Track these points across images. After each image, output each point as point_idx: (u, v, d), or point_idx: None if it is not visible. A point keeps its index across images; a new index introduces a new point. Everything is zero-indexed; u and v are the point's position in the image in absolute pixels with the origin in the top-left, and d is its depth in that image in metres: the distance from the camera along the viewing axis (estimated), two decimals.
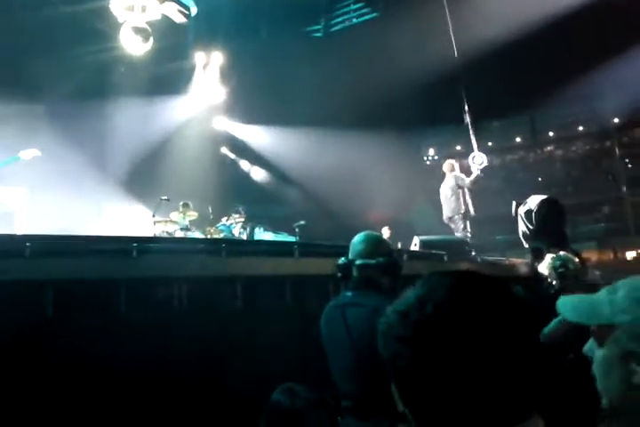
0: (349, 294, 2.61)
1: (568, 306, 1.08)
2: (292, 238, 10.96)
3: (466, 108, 11.23)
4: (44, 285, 3.73)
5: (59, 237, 4.70)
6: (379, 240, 2.69)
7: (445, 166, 9.91)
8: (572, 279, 3.31)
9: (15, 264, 3.72)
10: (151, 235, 9.09)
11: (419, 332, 0.73)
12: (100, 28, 11.85)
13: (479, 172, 9.78)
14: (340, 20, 16.40)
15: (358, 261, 2.58)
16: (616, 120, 25.09)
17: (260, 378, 3.91)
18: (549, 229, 4.51)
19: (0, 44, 10.32)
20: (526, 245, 5.01)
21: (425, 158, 28.57)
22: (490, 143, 28.69)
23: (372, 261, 2.55)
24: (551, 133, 27.91)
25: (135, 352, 3.81)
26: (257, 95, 15.35)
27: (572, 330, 2.30)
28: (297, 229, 11.16)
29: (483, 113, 23.46)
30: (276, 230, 11.65)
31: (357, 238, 2.68)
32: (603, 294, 1.06)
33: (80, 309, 3.86)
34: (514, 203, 4.89)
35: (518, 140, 28.50)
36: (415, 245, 8.93)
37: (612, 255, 23.36)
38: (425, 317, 0.73)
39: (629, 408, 0.97)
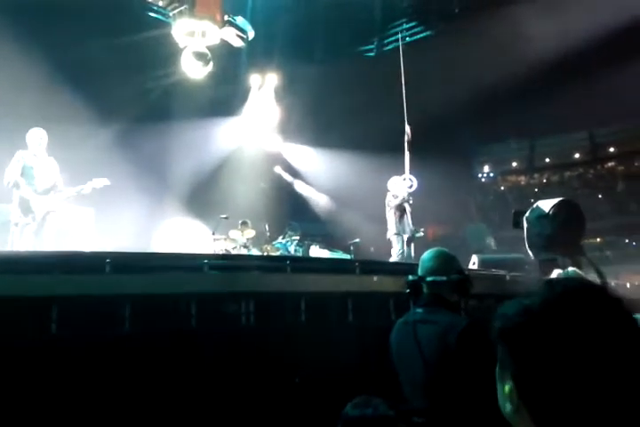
0: (420, 310, 2.59)
1: None
2: (347, 256, 11.02)
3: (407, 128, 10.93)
4: (122, 299, 3.92)
5: (136, 254, 4.92)
6: (449, 257, 2.66)
7: (388, 183, 9.38)
8: None
9: (96, 280, 3.94)
10: (211, 252, 9.33)
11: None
12: (162, 53, 12.34)
13: (406, 195, 9.18)
14: (392, 39, 16.47)
15: (429, 278, 2.57)
16: None
17: (324, 392, 3.95)
18: (566, 236, 4.02)
19: (72, 72, 10.94)
20: (533, 257, 4.51)
21: (480, 175, 28.18)
22: (547, 160, 28.08)
23: (444, 278, 2.55)
24: (612, 149, 27.03)
25: (203, 365, 3.93)
26: (310, 116, 15.60)
27: None
28: (352, 247, 11.23)
29: (540, 128, 23.19)
30: (331, 248, 11.74)
31: (427, 255, 2.67)
32: None
33: (154, 323, 4.03)
34: (513, 211, 4.42)
35: (577, 156, 27.76)
36: (474, 264, 8.81)
37: None
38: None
39: None
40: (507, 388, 0.84)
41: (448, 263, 2.63)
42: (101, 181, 6.67)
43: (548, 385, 0.78)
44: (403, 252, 8.82)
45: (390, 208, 9.08)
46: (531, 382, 0.80)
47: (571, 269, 3.28)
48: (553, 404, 0.78)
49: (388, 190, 9.26)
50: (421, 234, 9.47)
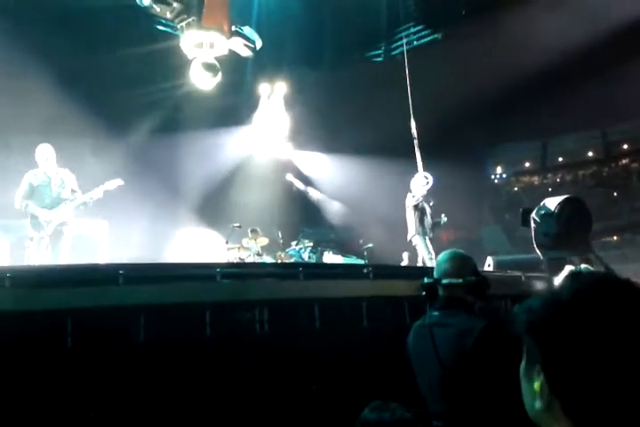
0: (436, 313, 2.56)
1: None
2: (360, 261, 11.00)
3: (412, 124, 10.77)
4: (136, 310, 3.93)
5: (149, 264, 4.93)
6: (465, 258, 2.62)
7: (410, 183, 9.14)
8: None
9: (110, 291, 3.95)
10: (225, 261, 9.35)
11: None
12: (171, 65, 12.44)
13: (423, 194, 8.87)
14: (400, 43, 16.44)
15: (444, 281, 2.53)
16: None
17: (341, 398, 3.92)
18: (573, 234, 3.89)
19: (82, 86, 11.07)
20: (542, 257, 4.41)
21: (492, 177, 27.95)
22: (561, 159, 27.83)
23: (460, 281, 2.50)
24: (625, 146, 26.73)
25: (219, 374, 3.92)
26: (320, 123, 15.63)
27: None
28: (365, 253, 11.20)
29: (552, 128, 23.01)
30: (344, 253, 11.73)
31: (443, 257, 2.63)
32: None
33: (168, 332, 4.04)
34: (521, 210, 4.30)
35: (590, 154, 27.48)
36: (489, 266, 8.72)
37: None
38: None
39: None
40: (536, 384, 0.82)
41: (464, 265, 2.58)
42: (114, 182, 6.62)
43: (584, 376, 0.76)
44: (429, 252, 8.64)
45: (409, 209, 8.94)
46: (564, 374, 0.78)
47: (583, 266, 3.22)
48: (589, 396, 0.76)
49: (410, 191, 9.09)
50: (445, 220, 9.28)
